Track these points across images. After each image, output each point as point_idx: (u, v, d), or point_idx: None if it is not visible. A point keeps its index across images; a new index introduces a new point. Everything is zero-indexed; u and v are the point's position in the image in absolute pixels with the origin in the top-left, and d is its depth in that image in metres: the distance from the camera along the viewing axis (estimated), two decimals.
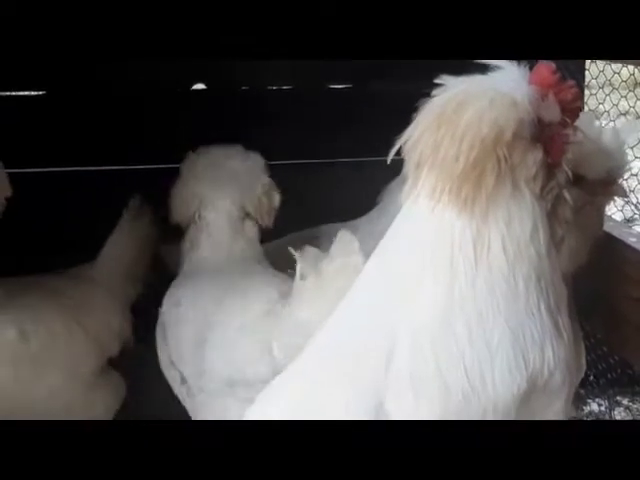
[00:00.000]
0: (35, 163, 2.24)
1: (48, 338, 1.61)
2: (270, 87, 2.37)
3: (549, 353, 1.05)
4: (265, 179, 1.95)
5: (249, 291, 1.78)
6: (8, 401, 1.50)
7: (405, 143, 1.12)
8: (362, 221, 2.03)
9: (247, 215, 1.96)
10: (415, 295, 1.08)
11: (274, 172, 1.95)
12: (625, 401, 2.58)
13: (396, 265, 1.13)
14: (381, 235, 1.17)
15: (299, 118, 2.26)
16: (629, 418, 2.36)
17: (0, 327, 1.52)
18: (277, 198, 1.97)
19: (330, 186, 2.23)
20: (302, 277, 1.63)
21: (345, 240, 1.62)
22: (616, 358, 2.35)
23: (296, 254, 1.59)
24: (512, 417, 1.03)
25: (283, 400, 1.18)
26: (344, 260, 1.58)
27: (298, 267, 1.62)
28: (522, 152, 1.06)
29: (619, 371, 2.38)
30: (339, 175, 2.31)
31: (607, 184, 1.51)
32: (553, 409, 1.09)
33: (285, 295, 1.69)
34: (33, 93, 2.37)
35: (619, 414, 2.38)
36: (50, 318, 1.64)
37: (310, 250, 1.63)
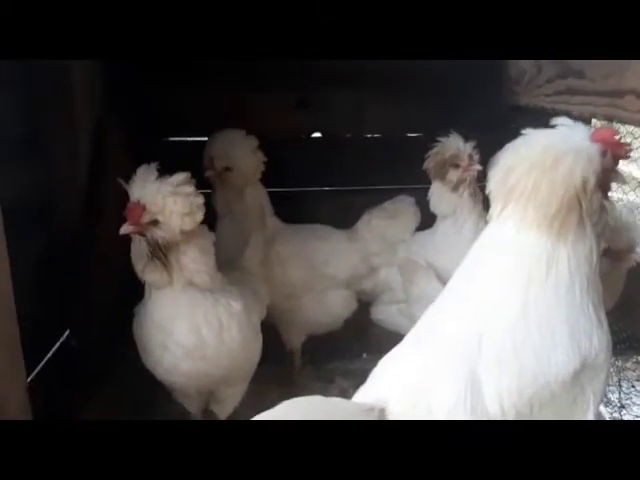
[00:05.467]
0: None
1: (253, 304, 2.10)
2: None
3: (595, 340, 1.27)
4: None
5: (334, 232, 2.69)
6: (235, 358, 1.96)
7: (494, 178, 1.34)
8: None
9: None
10: (498, 297, 1.28)
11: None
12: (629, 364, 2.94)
13: (482, 271, 1.32)
14: None
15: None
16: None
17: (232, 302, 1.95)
18: None
19: None
20: (366, 222, 2.63)
21: (396, 201, 2.64)
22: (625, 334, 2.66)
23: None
24: (567, 387, 1.23)
25: (395, 375, 1.32)
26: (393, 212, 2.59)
27: (364, 216, 2.64)
28: (592, 195, 1.28)
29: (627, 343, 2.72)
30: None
31: (627, 252, 1.69)
32: (599, 379, 1.28)
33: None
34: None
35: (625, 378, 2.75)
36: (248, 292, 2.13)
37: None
